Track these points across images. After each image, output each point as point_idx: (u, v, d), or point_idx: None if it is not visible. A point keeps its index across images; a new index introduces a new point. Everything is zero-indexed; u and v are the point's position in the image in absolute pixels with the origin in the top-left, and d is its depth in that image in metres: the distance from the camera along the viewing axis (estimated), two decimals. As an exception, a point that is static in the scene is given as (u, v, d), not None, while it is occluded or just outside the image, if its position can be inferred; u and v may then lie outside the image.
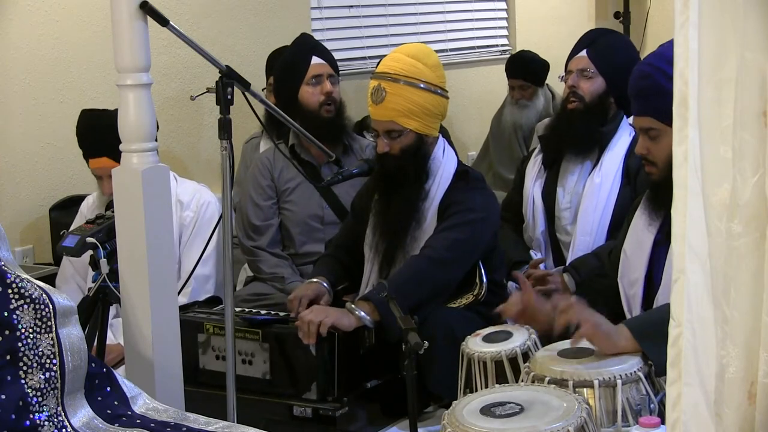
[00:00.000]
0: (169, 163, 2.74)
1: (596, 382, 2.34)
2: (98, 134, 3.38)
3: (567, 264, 3.52)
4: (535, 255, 3.66)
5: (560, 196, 3.61)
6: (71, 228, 3.26)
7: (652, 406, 2.34)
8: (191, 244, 3.50)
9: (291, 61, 3.98)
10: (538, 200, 3.67)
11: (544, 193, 3.66)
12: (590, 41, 3.66)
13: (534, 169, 3.72)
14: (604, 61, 3.59)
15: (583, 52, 3.62)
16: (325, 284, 3.28)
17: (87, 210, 3.63)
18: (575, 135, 3.59)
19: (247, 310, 3.26)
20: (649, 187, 2.87)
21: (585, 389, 2.35)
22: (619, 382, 2.34)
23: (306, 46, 4.02)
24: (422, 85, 3.18)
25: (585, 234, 3.49)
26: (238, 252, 3.85)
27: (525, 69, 5.39)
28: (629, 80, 2.81)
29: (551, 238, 3.65)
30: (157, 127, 2.63)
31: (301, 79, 3.89)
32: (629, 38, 3.87)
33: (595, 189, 3.50)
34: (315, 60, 3.91)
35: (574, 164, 3.61)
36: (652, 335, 2.36)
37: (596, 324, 2.46)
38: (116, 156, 2.63)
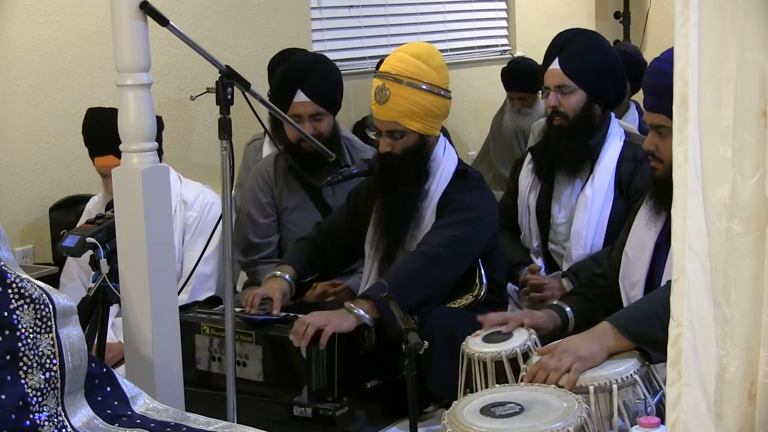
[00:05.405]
0: (168, 163, 2.74)
1: (591, 389, 2.33)
2: (105, 133, 3.37)
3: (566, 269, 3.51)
4: (536, 261, 3.65)
5: (556, 211, 3.58)
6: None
7: (648, 409, 2.33)
8: (193, 243, 3.50)
9: (277, 91, 3.80)
10: (534, 213, 3.64)
11: (539, 207, 3.62)
12: (560, 48, 3.52)
13: (528, 178, 3.68)
14: (579, 70, 3.47)
15: (556, 64, 3.49)
16: (287, 277, 3.27)
17: (93, 209, 3.62)
18: (564, 153, 3.53)
19: (247, 310, 3.25)
20: (652, 184, 2.86)
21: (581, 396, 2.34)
22: (614, 386, 2.32)
23: (292, 77, 3.72)
24: (425, 87, 3.17)
25: (579, 247, 3.46)
26: (238, 252, 3.83)
27: (521, 81, 5.35)
28: (644, 74, 2.77)
29: (545, 251, 3.62)
30: (162, 127, 2.62)
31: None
32: (600, 35, 3.71)
33: (587, 202, 3.46)
34: (298, 98, 3.66)
35: (567, 180, 3.56)
36: (642, 330, 2.38)
37: (582, 360, 2.42)
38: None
